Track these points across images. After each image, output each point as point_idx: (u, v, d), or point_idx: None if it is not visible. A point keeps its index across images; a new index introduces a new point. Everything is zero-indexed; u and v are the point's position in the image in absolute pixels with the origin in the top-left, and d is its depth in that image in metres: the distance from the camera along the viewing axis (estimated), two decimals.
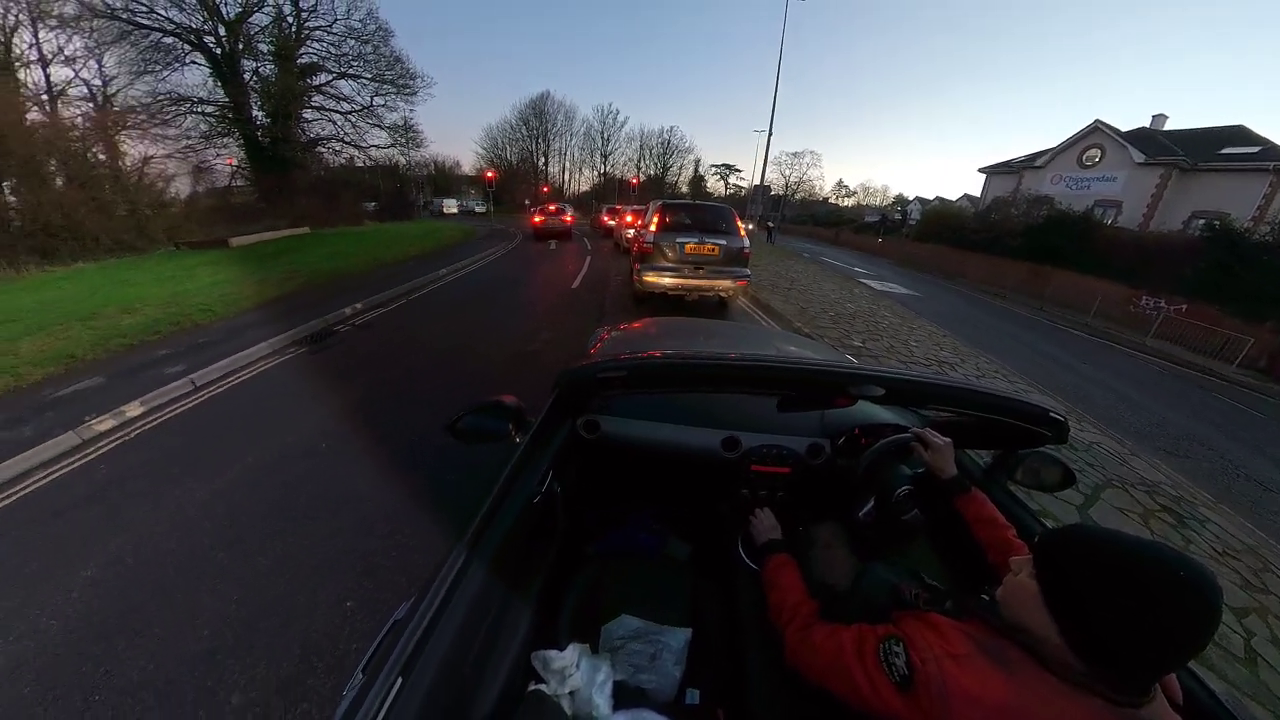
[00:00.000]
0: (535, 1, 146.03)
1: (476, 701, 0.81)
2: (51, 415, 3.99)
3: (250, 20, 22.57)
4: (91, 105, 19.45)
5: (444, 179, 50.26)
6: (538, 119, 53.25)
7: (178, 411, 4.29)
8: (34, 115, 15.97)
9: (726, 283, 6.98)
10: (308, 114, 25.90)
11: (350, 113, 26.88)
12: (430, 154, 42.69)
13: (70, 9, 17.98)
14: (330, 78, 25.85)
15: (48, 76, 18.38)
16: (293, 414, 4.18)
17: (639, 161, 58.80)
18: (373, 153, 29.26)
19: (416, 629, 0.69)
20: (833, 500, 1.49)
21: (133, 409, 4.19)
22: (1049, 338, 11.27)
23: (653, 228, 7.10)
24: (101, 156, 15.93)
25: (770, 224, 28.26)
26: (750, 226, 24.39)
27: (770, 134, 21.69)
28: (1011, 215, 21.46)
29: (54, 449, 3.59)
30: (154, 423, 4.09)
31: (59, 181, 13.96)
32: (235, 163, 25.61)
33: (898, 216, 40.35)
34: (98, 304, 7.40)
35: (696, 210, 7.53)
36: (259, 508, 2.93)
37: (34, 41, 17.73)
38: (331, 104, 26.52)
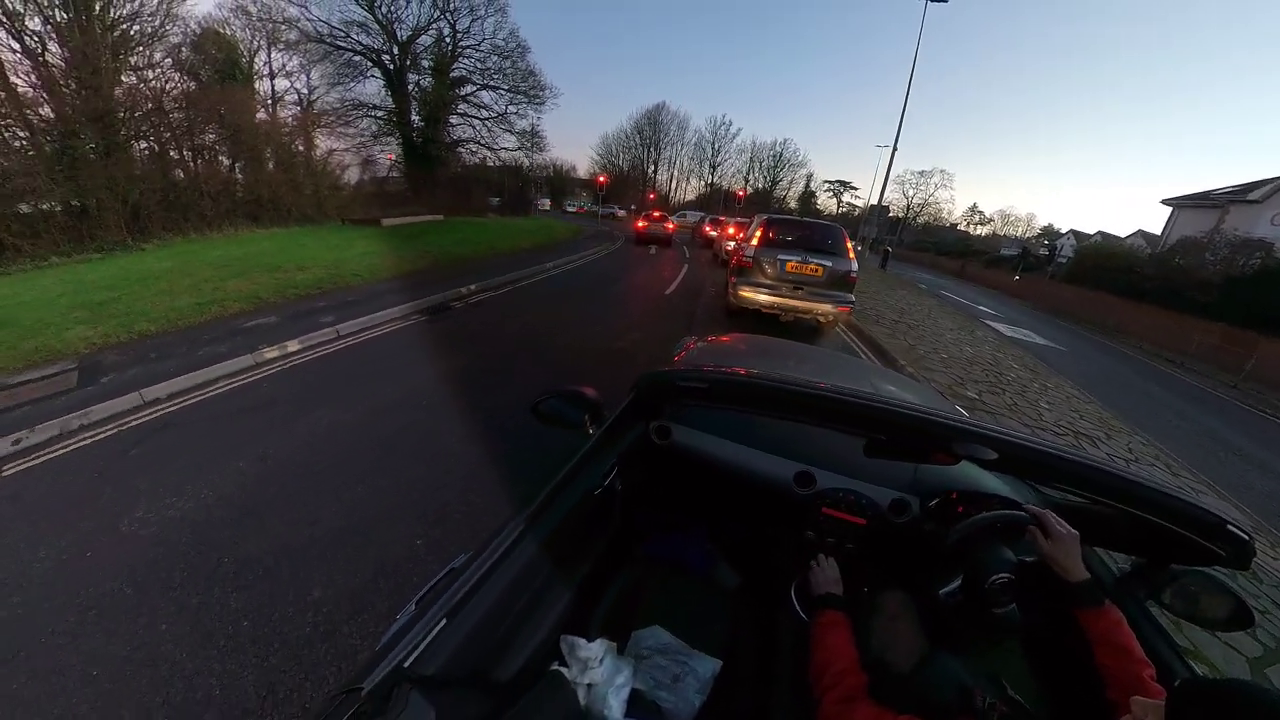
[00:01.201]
0: (661, 15, 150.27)
1: (502, 662, 0.85)
2: (239, 340, 5.01)
3: (417, 41, 27.25)
4: (298, 109, 24.63)
5: (560, 181, 53.88)
6: (651, 128, 55.13)
7: (323, 353, 5.11)
8: (260, 115, 20.25)
9: (826, 307, 6.58)
10: (453, 119, 29.79)
11: (487, 119, 30.53)
12: (550, 158, 46.55)
13: (293, 36, 23.43)
14: (474, 89, 29.70)
15: (273, 87, 24.20)
16: (407, 371, 4.75)
17: (747, 174, 58.02)
18: (502, 154, 32.80)
19: (467, 581, 0.76)
20: (909, 568, 1.34)
21: (292, 345, 5.08)
22: (1241, 426, 8.43)
23: (754, 242, 6.78)
24: (300, 148, 19.77)
25: (886, 248, 26.16)
26: (861, 249, 22.84)
27: (894, 149, 19.58)
28: (1206, 261, 17.35)
29: (236, 365, 4.54)
30: (305, 359, 4.92)
31: (270, 165, 17.45)
32: (394, 158, 30.32)
33: (1043, 252, 35.01)
34: (282, 260, 9.08)
35: (802, 227, 7.17)
36: (366, 443, 3.37)
37: (267, 60, 23.52)
38: (473, 111, 30.32)
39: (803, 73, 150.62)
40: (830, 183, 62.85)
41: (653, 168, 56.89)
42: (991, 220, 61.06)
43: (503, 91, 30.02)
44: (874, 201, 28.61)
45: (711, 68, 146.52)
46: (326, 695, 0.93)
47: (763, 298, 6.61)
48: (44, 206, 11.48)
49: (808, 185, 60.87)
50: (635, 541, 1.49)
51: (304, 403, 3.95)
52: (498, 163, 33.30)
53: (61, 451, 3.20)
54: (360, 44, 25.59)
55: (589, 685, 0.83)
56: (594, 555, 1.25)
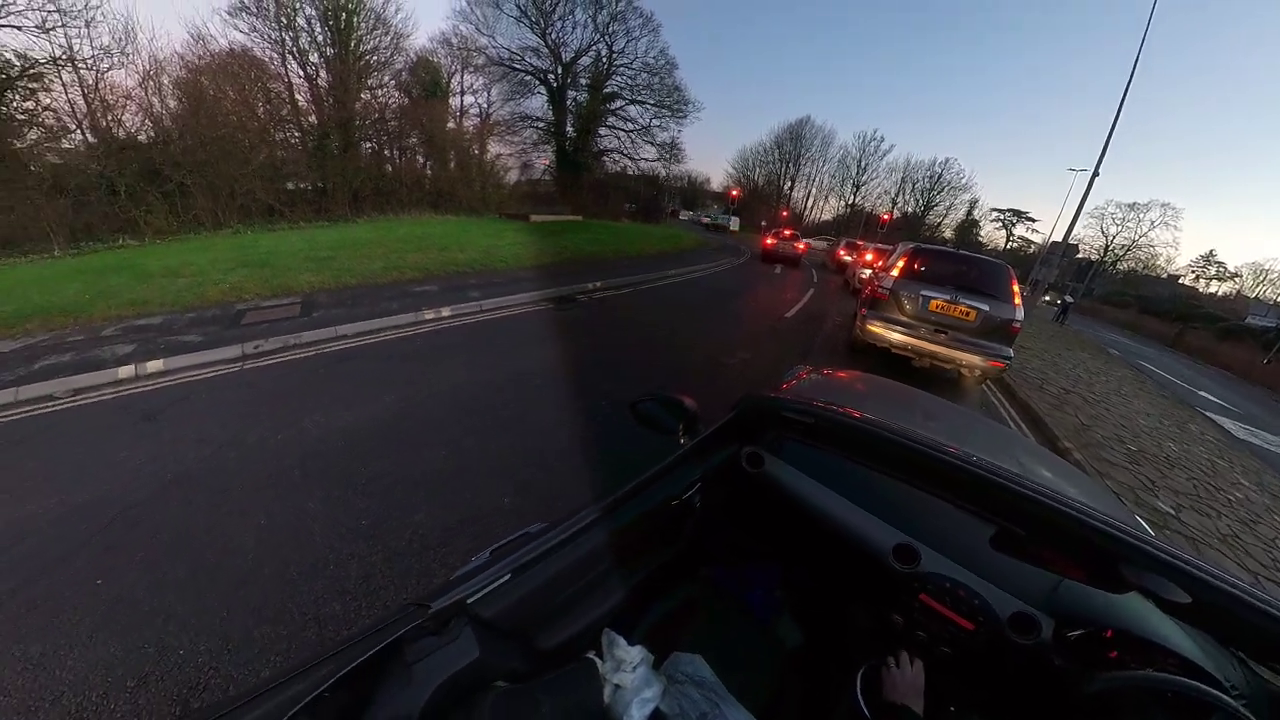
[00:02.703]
0: (810, 25, 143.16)
1: (546, 631, 0.87)
2: (408, 300, 6.04)
3: (578, 62, 30.74)
4: (478, 120, 28.97)
5: (694, 192, 54.72)
6: (792, 142, 51.78)
7: (466, 322, 5.89)
8: (450, 125, 24.22)
9: (974, 359, 5.55)
10: (602, 131, 32.74)
11: (631, 131, 33.02)
12: (686, 169, 47.60)
13: (481, 60, 27.80)
14: (623, 103, 32.31)
15: (461, 102, 28.60)
16: (528, 349, 5.24)
17: (896, 195, 51.67)
18: (641, 164, 34.82)
19: (537, 549, 0.81)
20: (1017, 704, 1.05)
21: (445, 311, 5.95)
22: None
23: (894, 272, 5.96)
24: (476, 152, 23.39)
25: (1066, 297, 21.78)
26: (1031, 295, 19.33)
27: (1095, 174, 14.95)
28: None
29: (402, 320, 5.49)
30: (452, 324, 5.71)
31: (452, 165, 20.77)
32: (548, 163, 33.98)
33: None
34: (449, 242, 10.67)
35: (956, 261, 6.09)
36: (483, 404, 3.78)
37: (460, 80, 28.11)
38: (620, 124, 32.97)
39: (973, 82, 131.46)
40: (1000, 211, 53.71)
41: (789, 184, 54.71)
42: (1235, 276, 46.30)
43: (648, 106, 32.09)
44: (1057, 238, 23.68)
45: (862, 82, 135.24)
46: (402, 601, 1.07)
47: (895, 336, 5.83)
48: (302, 186, 15.39)
49: (970, 213, 52.40)
50: (701, 562, 1.42)
51: (443, 360, 4.59)
52: (637, 171, 35.39)
53: (280, 360, 4.28)
54: (532, 65, 29.71)
55: (616, 686, 0.82)
56: (656, 562, 1.21)
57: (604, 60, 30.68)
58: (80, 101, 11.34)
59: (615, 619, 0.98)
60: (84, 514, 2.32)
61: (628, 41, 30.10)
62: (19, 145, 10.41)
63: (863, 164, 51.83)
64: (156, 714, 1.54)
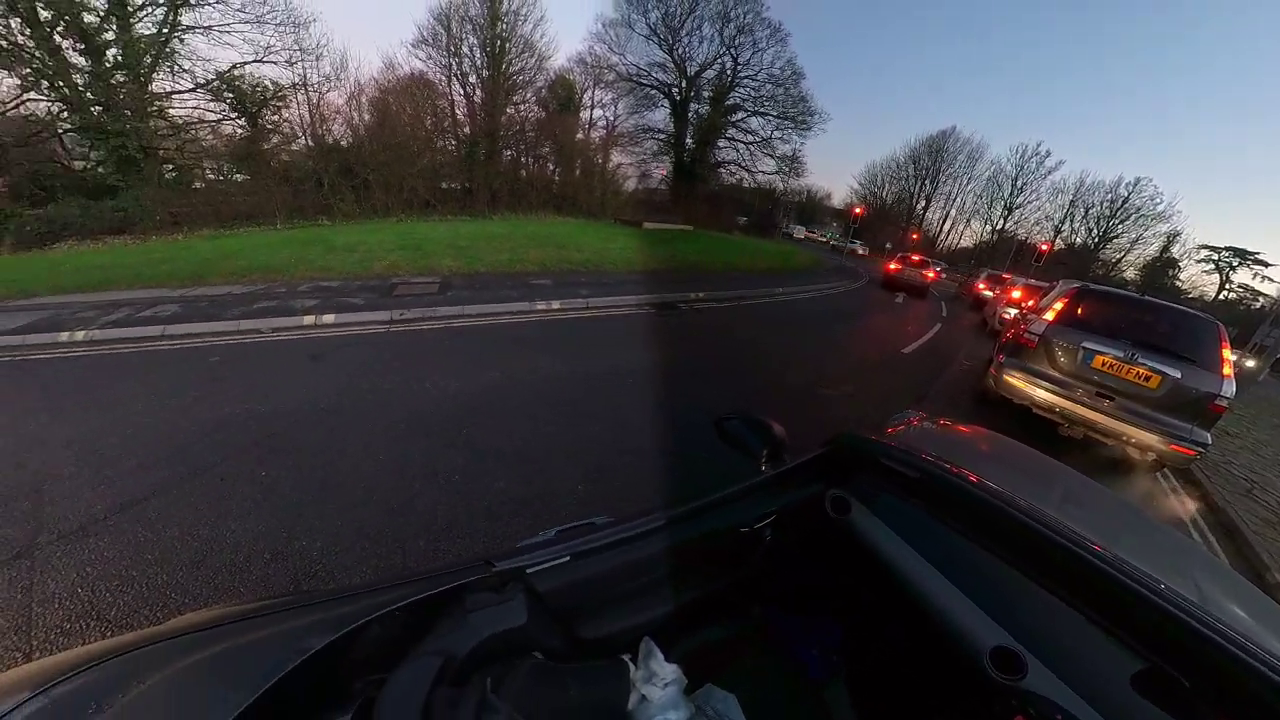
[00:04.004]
0: (959, 27, 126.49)
1: (589, 622, 0.88)
2: (524, 290, 6.65)
3: (702, 75, 31.35)
4: (604, 131, 30.85)
5: (811, 208, 51.99)
6: (931, 157, 45.81)
7: (572, 317, 6.26)
8: (579, 136, 26.14)
9: (1150, 438, 4.31)
10: (721, 142, 32.85)
11: (751, 143, 32.65)
12: (805, 183, 45.43)
13: (611, 77, 29.44)
14: (744, 115, 32.11)
15: (590, 115, 30.56)
16: (624, 349, 5.40)
17: (1061, 222, 42.45)
18: (758, 177, 34.16)
19: (599, 540, 0.83)
20: None
21: (555, 304, 6.39)
22: None
23: (1048, 315, 4.90)
24: (599, 161, 25.09)
25: None
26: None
27: None
28: None
29: (517, 308, 6.02)
30: (559, 317, 6.12)
31: (577, 172, 22.42)
32: (665, 172, 34.87)
33: None
34: (566, 242, 11.46)
35: (1139, 309, 4.76)
36: (574, 394, 3.96)
37: (591, 95, 30.16)
38: (740, 136, 32.79)
39: (1179, 86, 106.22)
40: (1213, 250, 39.68)
41: (923, 204, 48.94)
42: None
43: (771, 117, 31.45)
44: None
45: (1020, 86, 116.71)
46: (472, 555, 1.13)
47: (1040, 393, 4.72)
48: (452, 186, 17.83)
49: (1165, 249, 39.74)
50: (759, 600, 1.30)
51: (545, 348, 4.93)
52: (753, 184, 34.81)
53: (416, 328, 5.01)
54: (657, 80, 31.06)
55: (644, 696, 0.80)
56: (711, 587, 1.14)
57: (728, 73, 30.90)
58: (306, 115, 15.02)
59: (657, 630, 0.96)
60: (261, 420, 3.02)
61: (753, 53, 30.01)
62: (266, 147, 14.39)
63: (1019, 183, 43.30)
64: (278, 584, 1.91)
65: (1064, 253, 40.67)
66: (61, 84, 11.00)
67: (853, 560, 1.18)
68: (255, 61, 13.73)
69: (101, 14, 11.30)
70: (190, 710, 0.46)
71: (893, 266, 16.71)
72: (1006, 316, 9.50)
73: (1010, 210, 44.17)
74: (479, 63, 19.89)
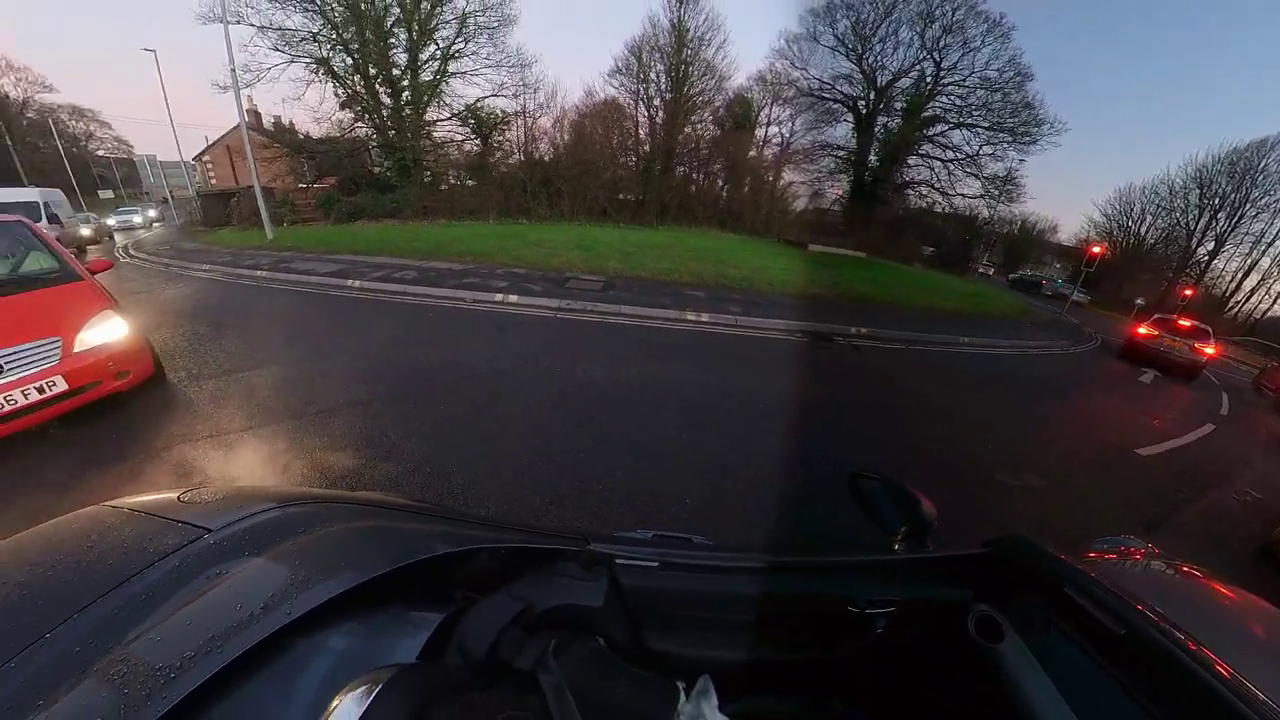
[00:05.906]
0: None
1: (652, 631, 0.86)
2: (677, 299, 6.80)
3: (895, 85, 26.84)
4: (779, 148, 29.44)
5: (1025, 242, 41.89)
6: (1229, 179, 31.19)
7: (719, 332, 6.19)
8: (751, 153, 25.84)
9: None
10: (911, 160, 28.14)
11: (951, 160, 27.27)
12: (1021, 210, 36.75)
13: (791, 93, 27.74)
14: (946, 128, 26.89)
15: (765, 132, 28.98)
16: (767, 375, 5.08)
17: None
18: (956, 201, 28.81)
19: (691, 559, 0.84)
20: None
21: (704, 316, 6.38)
22: None
23: None
24: (770, 178, 24.55)
25: None
26: None
27: None
28: None
29: (666, 315, 6.20)
30: (707, 330, 6.11)
31: (745, 189, 22.41)
32: (840, 193, 32.14)
33: None
34: (726, 258, 11.46)
35: None
36: (706, 409, 3.87)
37: (769, 112, 28.90)
38: (936, 152, 27.58)
39: None
40: None
41: (1209, 245, 33.86)
42: None
43: (980, 129, 26.16)
44: None
45: None
46: (574, 528, 1.16)
47: None
48: (628, 197, 19.63)
49: None
50: (841, 693, 1.06)
51: (687, 358, 4.95)
52: (948, 209, 29.67)
53: (578, 319, 5.63)
54: (841, 93, 27.48)
55: None
56: (794, 655, 0.99)
57: (927, 80, 26.52)
58: (521, 136, 19.07)
59: (720, 673, 0.87)
60: (454, 369, 3.89)
61: (962, 54, 25.10)
62: (491, 160, 18.80)
63: None
64: (436, 495, 2.44)
65: None
66: (374, 117, 17.12)
67: (984, 700, 0.93)
68: (492, 95, 18.50)
69: (401, 68, 17.15)
70: (350, 557, 0.62)
71: (1143, 331, 11.79)
72: None
73: None
74: (663, 86, 21.45)
